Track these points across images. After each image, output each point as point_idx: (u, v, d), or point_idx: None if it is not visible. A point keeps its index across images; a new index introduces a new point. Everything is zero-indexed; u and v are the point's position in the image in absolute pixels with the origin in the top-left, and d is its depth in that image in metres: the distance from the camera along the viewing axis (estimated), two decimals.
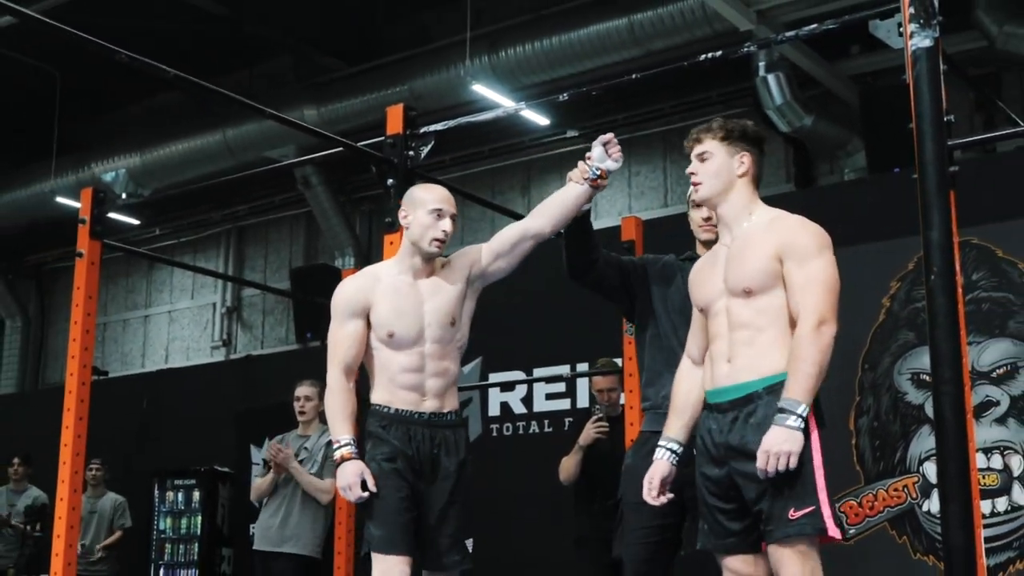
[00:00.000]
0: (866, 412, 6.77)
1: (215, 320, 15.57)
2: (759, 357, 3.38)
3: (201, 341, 15.65)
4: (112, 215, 5.47)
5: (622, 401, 5.94)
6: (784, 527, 3.27)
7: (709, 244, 4.07)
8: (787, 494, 3.26)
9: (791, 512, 3.25)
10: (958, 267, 3.29)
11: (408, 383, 3.91)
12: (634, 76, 4.72)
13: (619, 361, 5.82)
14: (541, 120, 12.06)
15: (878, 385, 6.76)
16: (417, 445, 3.87)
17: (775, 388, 3.32)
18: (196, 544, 10.23)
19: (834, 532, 3.28)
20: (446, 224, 3.97)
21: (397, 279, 4.01)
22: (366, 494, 3.79)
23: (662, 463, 3.64)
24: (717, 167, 3.58)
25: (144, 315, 16.38)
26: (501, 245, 4.08)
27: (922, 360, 6.54)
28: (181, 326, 15.96)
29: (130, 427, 11.03)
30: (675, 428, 3.66)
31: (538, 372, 8.22)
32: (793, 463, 3.21)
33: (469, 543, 3.84)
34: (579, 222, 4.12)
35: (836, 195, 8.54)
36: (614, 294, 4.35)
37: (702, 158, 3.61)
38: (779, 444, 3.21)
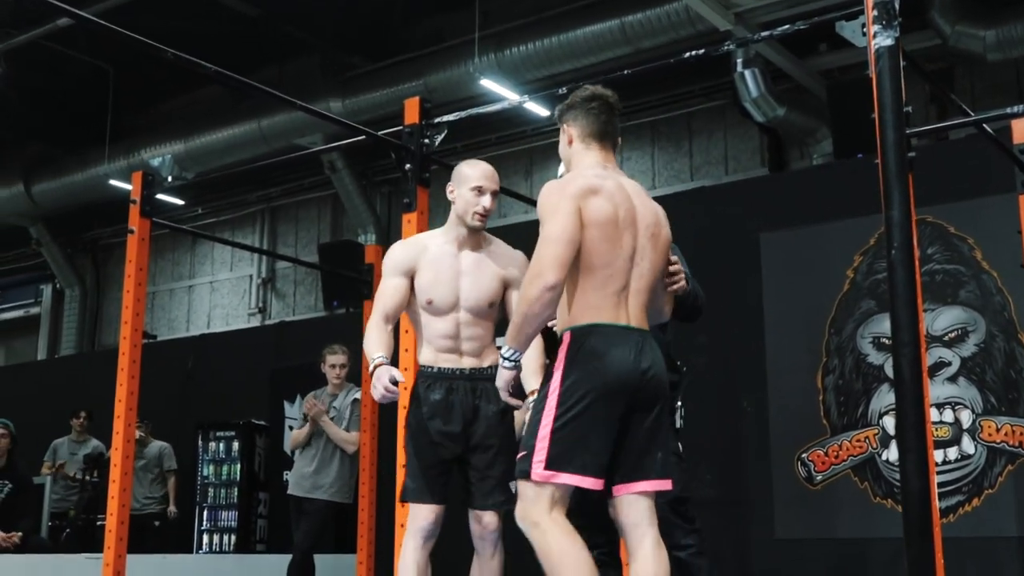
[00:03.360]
0: (832, 372, 6.78)
1: (251, 290, 15.58)
2: None
3: (239, 308, 15.68)
4: (159, 196, 5.45)
5: None
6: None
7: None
8: (524, 435, 3.14)
9: (517, 455, 3.11)
10: (915, 242, 3.28)
11: (446, 346, 3.92)
12: (625, 71, 4.71)
13: None
14: (542, 111, 12.01)
15: (843, 348, 6.77)
16: (460, 397, 3.87)
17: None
18: (236, 489, 10.26)
19: (538, 476, 3.00)
20: (486, 200, 3.94)
21: (442, 248, 3.99)
22: (391, 392, 3.63)
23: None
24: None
25: (188, 285, 16.39)
26: (510, 308, 3.96)
27: (882, 325, 6.55)
28: (221, 295, 15.98)
29: (176, 385, 11.06)
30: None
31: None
32: (503, 395, 3.23)
33: (514, 484, 3.83)
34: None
35: (806, 178, 8.52)
36: None
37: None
38: (496, 381, 3.24)
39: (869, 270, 6.71)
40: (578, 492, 3.06)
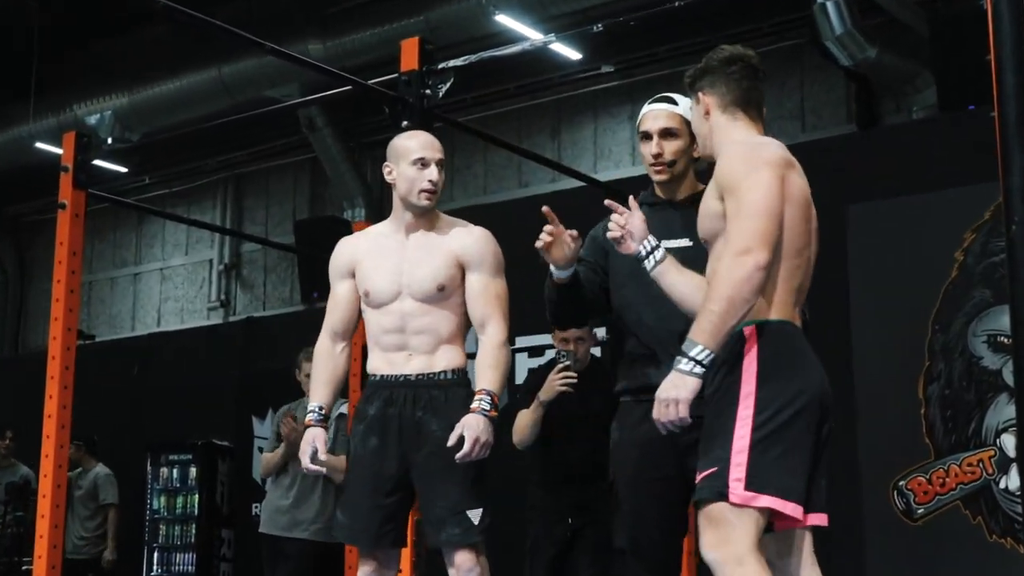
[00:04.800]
0: (937, 379, 6.76)
1: (211, 278, 15.62)
2: None
3: (196, 302, 15.72)
4: (97, 162, 5.46)
5: (595, 353, 5.89)
6: (696, 491, 3.16)
7: (662, 185, 4.11)
8: (703, 450, 3.16)
9: (699, 473, 3.13)
10: None
11: (391, 344, 4.03)
12: (677, 3, 4.70)
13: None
14: (572, 54, 11.98)
15: (950, 349, 6.74)
16: (399, 410, 3.95)
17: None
18: (193, 526, 10.32)
19: (738, 498, 3.02)
20: (432, 173, 4.03)
21: (387, 237, 4.13)
22: (315, 467, 3.94)
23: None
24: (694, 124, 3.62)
25: (133, 273, 16.45)
26: (469, 303, 4.08)
27: (1000, 320, 6.52)
28: (174, 285, 16.02)
29: (119, 397, 11.10)
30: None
31: (520, 342, 8.19)
32: (682, 411, 3.05)
33: (476, 514, 3.85)
34: (568, 288, 4.02)
35: (903, 137, 8.48)
36: (602, 309, 4.23)
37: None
38: (667, 390, 3.09)
39: (983, 251, 6.68)
40: (643, 531, 3.12)
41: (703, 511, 3.08)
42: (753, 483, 3.01)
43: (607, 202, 3.63)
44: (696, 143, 3.99)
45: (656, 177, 4.11)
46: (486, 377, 3.92)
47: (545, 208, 3.73)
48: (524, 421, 5.62)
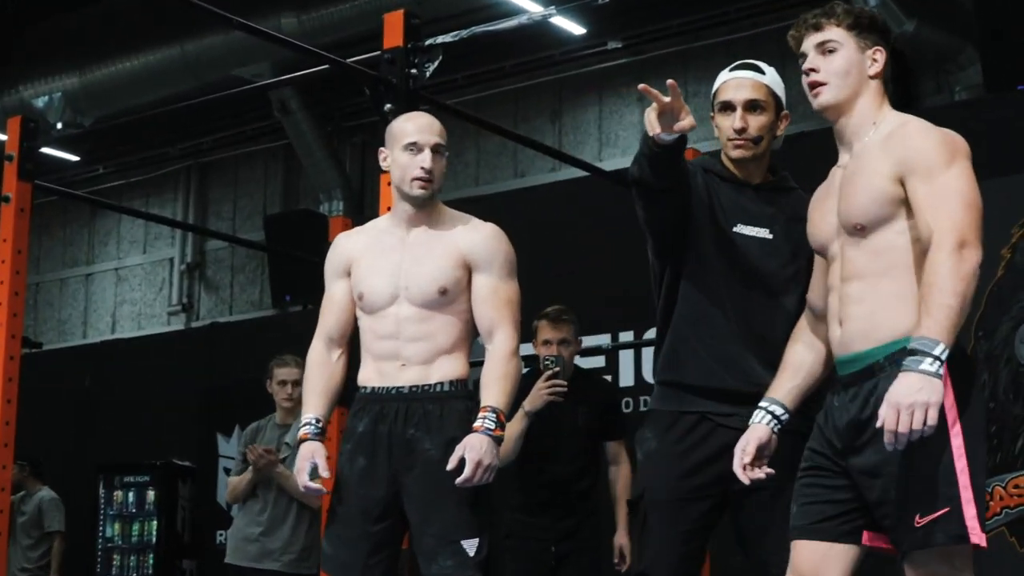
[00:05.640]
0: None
1: (172, 279, 15.62)
2: (873, 317, 3.23)
3: (156, 305, 15.72)
4: (45, 150, 5.47)
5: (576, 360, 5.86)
6: (908, 537, 3.09)
7: (740, 163, 4.04)
8: (915, 492, 3.06)
9: (916, 517, 3.06)
10: None
11: (384, 351, 4.01)
12: None
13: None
14: (575, 29, 12.00)
15: (995, 357, 6.76)
16: (389, 427, 3.94)
17: (899, 356, 3.09)
18: (151, 555, 10.32)
19: (978, 538, 3.04)
20: (424, 159, 3.99)
21: (387, 233, 4.13)
22: (316, 484, 3.90)
23: (761, 427, 3.53)
24: (847, 64, 3.42)
25: (86, 273, 16.45)
26: (476, 308, 4.05)
27: None
28: (131, 287, 16.03)
29: (69, 412, 11.11)
30: (783, 388, 3.58)
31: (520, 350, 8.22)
32: (932, 419, 2.92)
33: (472, 544, 3.85)
34: (675, 151, 3.72)
35: (944, 119, 8.47)
36: (670, 218, 4.00)
37: (825, 49, 3.44)
38: (912, 394, 2.93)
39: None
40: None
41: (929, 555, 3.09)
42: (982, 521, 3.05)
43: (641, 87, 3.46)
44: (780, 120, 3.97)
45: (735, 154, 4.03)
46: (492, 392, 3.86)
47: (670, 81, 3.46)
48: (506, 435, 5.59)
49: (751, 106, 3.98)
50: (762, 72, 4.04)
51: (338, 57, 5.13)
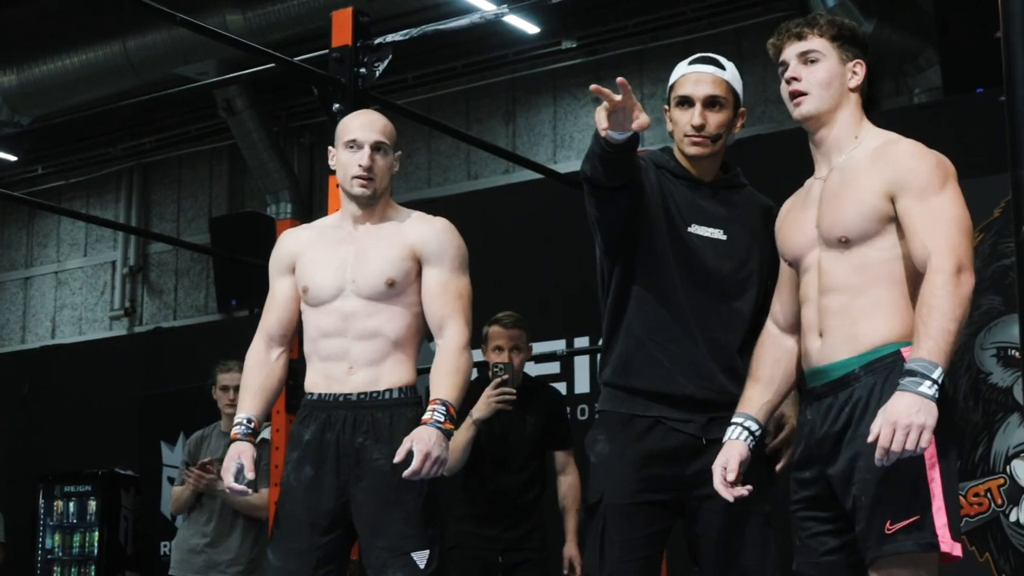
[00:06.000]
0: None
1: (114, 283, 15.54)
2: (855, 327, 3.30)
3: (97, 310, 15.64)
4: None
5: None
6: (877, 544, 3.17)
7: (695, 160, 3.98)
8: (886, 499, 3.15)
9: (887, 523, 3.14)
10: None
11: (330, 351, 3.99)
12: None
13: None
14: (529, 28, 12.01)
15: (955, 364, 6.74)
16: (336, 435, 3.92)
17: (875, 365, 3.24)
18: (92, 567, 10.26)
19: (950, 547, 3.14)
20: (362, 157, 3.99)
21: (334, 228, 4.14)
22: (240, 487, 3.88)
23: (739, 443, 3.56)
24: (829, 75, 3.48)
25: (24, 277, 16.34)
26: (426, 302, 4.04)
27: (1010, 331, 6.57)
28: (71, 291, 15.94)
29: (6, 419, 11.04)
30: (755, 403, 3.61)
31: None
32: (924, 442, 3.01)
33: (422, 556, 3.84)
34: (626, 150, 3.67)
35: (903, 122, 8.53)
36: (623, 217, 3.93)
37: (808, 59, 3.49)
38: (910, 415, 3.02)
39: (993, 253, 6.73)
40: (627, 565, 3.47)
41: (893, 561, 3.15)
42: (954, 530, 3.13)
43: (593, 87, 3.40)
44: (737, 117, 3.96)
45: (692, 151, 3.95)
46: (442, 385, 3.85)
47: (620, 80, 3.36)
48: (454, 443, 5.56)
49: (711, 102, 3.93)
50: (723, 67, 3.98)
51: (285, 56, 5.12)
